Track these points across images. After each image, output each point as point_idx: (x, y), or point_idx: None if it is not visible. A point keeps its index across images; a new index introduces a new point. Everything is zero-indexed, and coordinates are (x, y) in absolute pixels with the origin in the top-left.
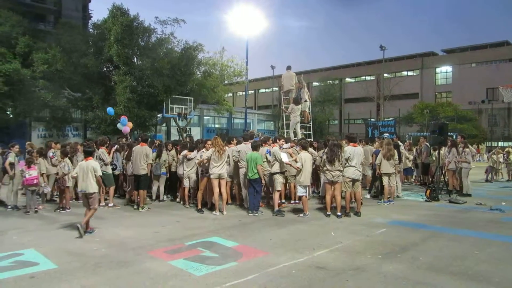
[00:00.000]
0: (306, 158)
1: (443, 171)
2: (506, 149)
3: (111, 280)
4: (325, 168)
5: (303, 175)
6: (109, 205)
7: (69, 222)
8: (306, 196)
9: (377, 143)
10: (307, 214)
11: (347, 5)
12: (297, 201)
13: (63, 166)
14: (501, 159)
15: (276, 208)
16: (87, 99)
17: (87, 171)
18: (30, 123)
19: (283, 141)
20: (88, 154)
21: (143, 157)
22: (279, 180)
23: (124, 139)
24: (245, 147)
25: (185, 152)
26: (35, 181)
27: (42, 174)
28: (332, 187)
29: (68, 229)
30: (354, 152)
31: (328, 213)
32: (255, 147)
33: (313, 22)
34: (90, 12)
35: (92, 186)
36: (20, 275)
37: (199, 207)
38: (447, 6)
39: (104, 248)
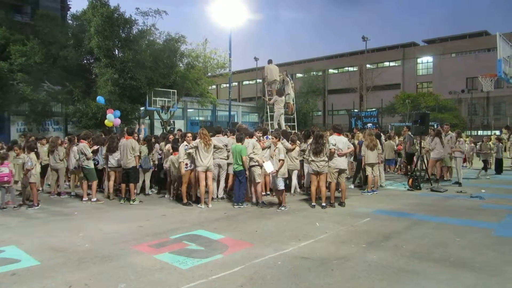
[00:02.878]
0: (282, 150)
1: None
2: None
3: (96, 275)
4: (310, 159)
5: (285, 166)
6: (92, 200)
7: (52, 218)
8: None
9: (357, 133)
10: (287, 206)
11: None
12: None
13: (26, 161)
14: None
15: (260, 200)
16: (67, 92)
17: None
18: (9, 117)
19: (259, 133)
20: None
21: (129, 150)
22: (257, 172)
23: (102, 133)
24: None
25: (168, 146)
26: (6, 178)
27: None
28: (317, 178)
29: (50, 224)
30: (340, 141)
31: (313, 204)
32: (239, 139)
33: (296, 14)
34: (68, 3)
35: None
36: (1, 272)
37: (185, 200)
38: None
39: (87, 243)
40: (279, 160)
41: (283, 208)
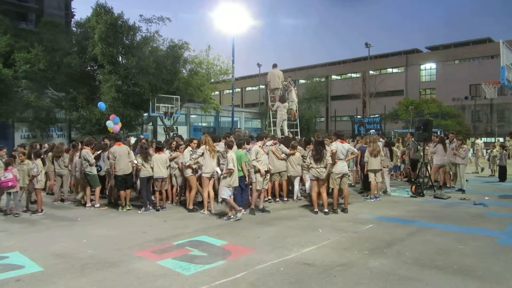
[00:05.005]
0: (231, 159)
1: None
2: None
3: (99, 281)
4: (310, 165)
5: (233, 176)
6: (95, 206)
7: (56, 224)
8: (230, 197)
9: (359, 139)
10: (231, 217)
11: (334, 5)
12: (285, 199)
13: (32, 167)
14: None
15: (260, 206)
16: (71, 99)
17: (163, 162)
18: (13, 124)
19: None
20: (158, 149)
21: (126, 156)
22: (258, 179)
23: (106, 140)
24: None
25: (169, 154)
26: (10, 184)
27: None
28: (318, 184)
29: (53, 231)
30: (343, 148)
31: (315, 210)
32: (239, 145)
33: (299, 20)
34: (72, 10)
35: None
36: (5, 278)
37: (191, 206)
38: (431, 3)
39: (91, 249)
40: (228, 169)
41: (225, 218)
